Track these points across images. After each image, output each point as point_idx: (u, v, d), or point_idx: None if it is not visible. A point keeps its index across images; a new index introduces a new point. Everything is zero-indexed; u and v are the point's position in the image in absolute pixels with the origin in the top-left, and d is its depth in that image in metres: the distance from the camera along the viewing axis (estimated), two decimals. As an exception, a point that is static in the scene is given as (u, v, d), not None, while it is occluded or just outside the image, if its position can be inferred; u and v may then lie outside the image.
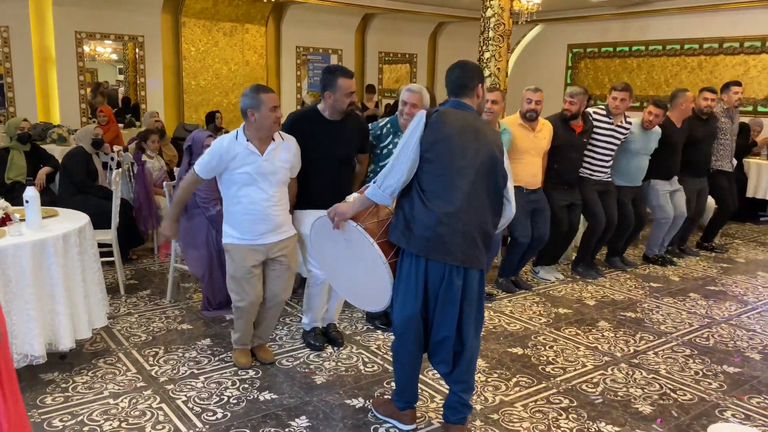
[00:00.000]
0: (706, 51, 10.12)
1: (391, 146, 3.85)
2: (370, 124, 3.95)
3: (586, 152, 5.17)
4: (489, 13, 6.53)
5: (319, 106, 3.62)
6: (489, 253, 2.75)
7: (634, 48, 11.03)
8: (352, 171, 3.81)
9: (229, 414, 3.02)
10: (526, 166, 4.73)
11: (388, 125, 3.89)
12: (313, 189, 3.59)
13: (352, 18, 11.26)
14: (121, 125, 9.07)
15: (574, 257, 5.63)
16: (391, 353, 3.65)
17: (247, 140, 3.24)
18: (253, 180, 3.24)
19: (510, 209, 2.79)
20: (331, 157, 3.58)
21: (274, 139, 3.30)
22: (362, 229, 2.70)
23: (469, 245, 2.63)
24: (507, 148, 4.51)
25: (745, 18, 9.54)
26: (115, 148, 6.63)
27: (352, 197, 2.87)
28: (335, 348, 3.78)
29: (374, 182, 2.68)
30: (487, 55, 6.57)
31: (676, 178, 5.77)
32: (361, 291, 2.97)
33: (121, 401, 3.10)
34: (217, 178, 3.35)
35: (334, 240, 2.89)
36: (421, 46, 12.59)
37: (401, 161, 2.61)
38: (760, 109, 9.52)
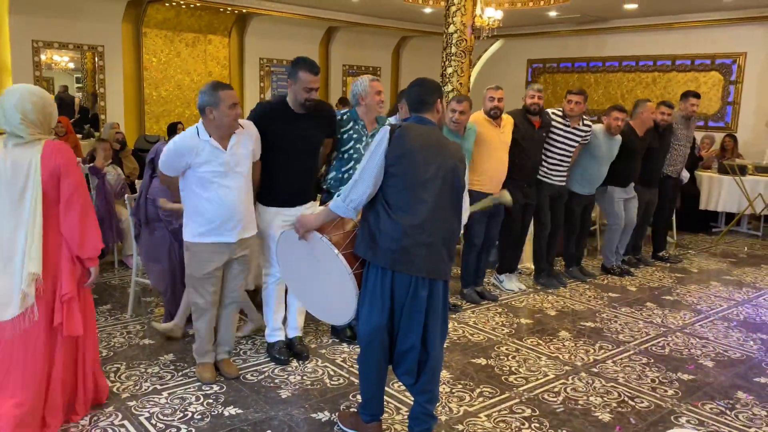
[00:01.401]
0: (659, 68, 10.47)
1: (351, 132, 3.87)
2: None
3: (543, 154, 5.29)
4: (451, 29, 6.64)
5: (288, 98, 3.62)
6: (452, 261, 2.81)
7: (592, 64, 11.35)
8: (316, 166, 3.83)
9: (193, 430, 2.99)
10: (496, 162, 4.83)
11: (348, 113, 3.93)
12: (278, 182, 3.61)
13: (315, 30, 11.30)
14: (79, 136, 8.89)
15: (534, 268, 5.74)
16: (356, 366, 3.67)
17: (209, 136, 3.22)
18: (219, 175, 3.23)
19: (464, 216, 2.90)
20: (295, 148, 3.59)
21: (235, 132, 3.29)
22: (327, 241, 2.75)
23: (435, 256, 2.69)
24: (472, 146, 4.62)
25: (695, 37, 9.93)
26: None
27: (318, 209, 2.91)
28: (300, 361, 3.78)
29: (338, 195, 2.74)
30: (449, 70, 6.68)
31: (632, 185, 5.96)
32: (326, 304, 2.99)
33: (82, 420, 3.03)
34: (179, 177, 3.32)
35: (299, 252, 2.93)
36: (385, 60, 12.70)
37: (366, 175, 2.66)
38: (711, 124, 9.89)
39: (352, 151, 3.87)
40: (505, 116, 4.95)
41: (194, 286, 3.39)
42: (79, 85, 10.40)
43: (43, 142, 2.75)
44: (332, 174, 3.94)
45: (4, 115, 2.74)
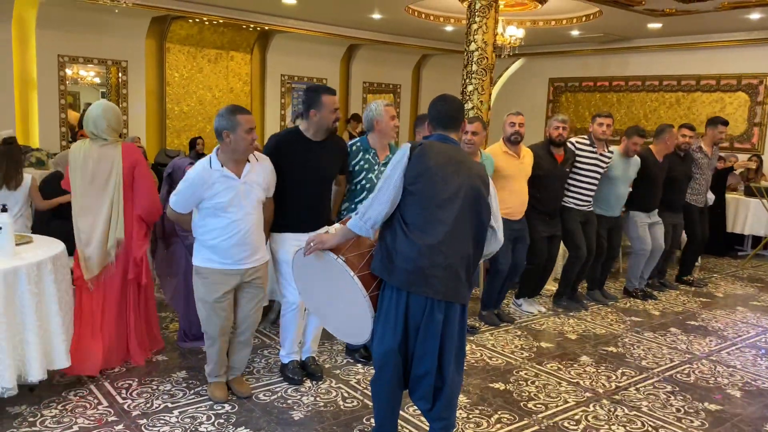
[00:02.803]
0: (683, 87, 10.33)
1: (362, 162, 3.82)
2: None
3: (570, 182, 5.20)
4: (472, 47, 6.61)
5: (301, 127, 3.59)
6: (471, 286, 2.73)
7: (614, 83, 11.24)
8: (330, 190, 3.79)
9: (203, 451, 2.93)
10: (514, 193, 4.73)
11: (358, 143, 3.88)
12: (295, 211, 3.56)
13: (337, 48, 11.36)
14: (101, 150, 8.99)
15: (555, 290, 5.62)
16: (370, 388, 3.59)
17: (222, 165, 3.19)
18: (231, 204, 3.19)
19: (497, 240, 2.79)
20: (313, 178, 3.56)
21: (249, 161, 3.26)
22: (343, 262, 2.67)
23: (451, 279, 2.60)
24: (490, 176, 4.53)
25: (721, 56, 9.79)
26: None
27: (335, 227, 2.83)
28: (314, 382, 3.71)
29: (356, 214, 2.66)
30: (470, 87, 6.63)
31: (656, 211, 5.83)
32: (343, 323, 2.93)
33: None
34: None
35: (315, 271, 2.86)
36: (405, 77, 12.71)
37: (384, 193, 2.59)
38: (736, 145, 9.71)
39: (364, 182, 3.82)
40: (524, 149, 4.86)
41: (205, 312, 3.33)
42: (105, 99, 10.53)
43: (120, 143, 3.69)
44: (345, 205, 3.91)
45: (93, 123, 3.63)
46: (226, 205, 3.19)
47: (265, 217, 3.45)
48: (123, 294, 3.79)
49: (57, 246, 3.53)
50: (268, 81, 10.87)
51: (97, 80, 10.67)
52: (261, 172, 3.33)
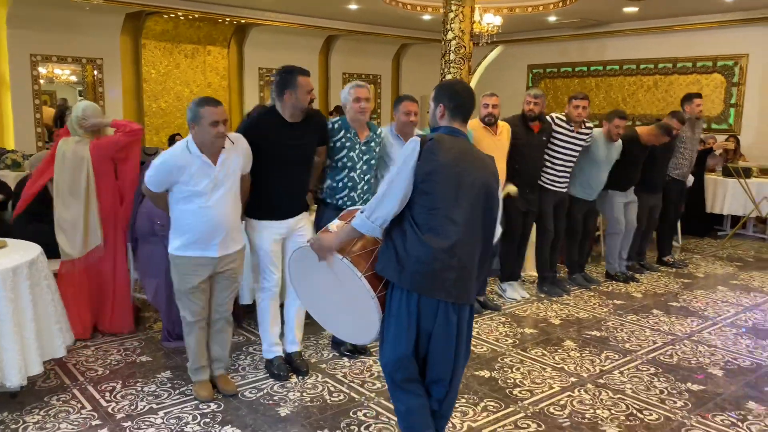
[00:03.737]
0: (660, 71, 10.41)
1: (344, 140, 3.78)
2: None
3: (546, 161, 5.22)
4: (450, 36, 6.59)
5: (277, 107, 3.54)
6: (479, 285, 2.64)
7: (593, 68, 11.29)
8: (309, 174, 3.75)
9: (189, 451, 2.91)
10: None
11: (340, 121, 3.84)
12: (272, 194, 3.53)
13: (315, 39, 11.28)
14: (79, 149, 8.87)
15: (537, 276, 5.66)
16: (357, 381, 3.59)
17: (200, 151, 3.16)
18: (207, 191, 3.16)
19: (497, 230, 2.71)
20: (290, 160, 3.52)
21: (224, 146, 3.22)
22: (349, 262, 2.52)
23: (464, 281, 2.49)
24: None
25: (697, 39, 9.87)
26: (72, 173, 6.44)
27: (335, 225, 2.69)
28: (300, 377, 3.70)
29: (362, 212, 2.51)
30: (449, 77, 6.63)
31: (632, 189, 5.89)
32: (345, 324, 2.81)
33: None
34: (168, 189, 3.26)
35: (315, 271, 2.72)
36: (385, 67, 12.66)
37: (393, 191, 2.44)
38: (713, 126, 9.81)
39: (345, 159, 3.79)
40: (501, 123, 4.88)
41: (181, 300, 3.33)
42: (81, 98, 10.39)
43: (92, 138, 4.18)
44: (327, 183, 3.87)
45: (71, 121, 4.17)
46: (201, 192, 3.16)
47: (242, 191, 3.41)
48: (110, 272, 4.31)
49: (33, 250, 3.48)
50: (246, 75, 10.78)
51: (74, 78, 10.51)
52: (236, 155, 3.28)
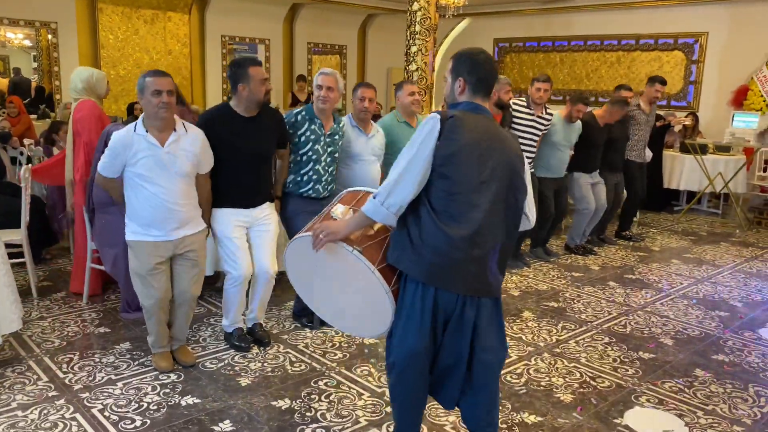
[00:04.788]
0: (623, 47, 10.53)
1: (309, 133, 3.74)
2: (285, 114, 3.86)
3: None
4: (415, 6, 6.54)
5: (232, 103, 3.50)
6: (503, 276, 2.42)
7: (558, 43, 11.35)
8: (270, 168, 3.71)
9: (148, 421, 2.90)
10: None
11: (303, 113, 3.79)
12: (231, 186, 3.49)
13: (279, 7, 11.06)
14: (33, 117, 8.58)
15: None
16: (319, 352, 3.61)
17: (146, 131, 3.10)
18: (154, 172, 3.10)
19: (528, 223, 2.46)
20: (248, 155, 3.47)
21: (175, 129, 3.16)
22: (359, 254, 2.29)
23: (485, 272, 2.27)
24: None
25: (659, 16, 9.99)
26: (26, 141, 6.26)
27: (339, 211, 2.46)
28: (261, 348, 3.71)
29: (374, 197, 2.27)
30: (413, 49, 6.59)
31: (597, 171, 5.99)
32: (352, 318, 2.59)
33: (31, 413, 2.93)
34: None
35: (316, 263, 2.47)
36: (351, 38, 12.51)
37: (410, 174, 2.20)
38: (673, 103, 10.00)
39: (311, 153, 3.75)
40: None
41: (140, 284, 3.26)
42: (35, 63, 10.03)
43: (78, 101, 4.33)
44: (291, 177, 3.82)
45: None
46: (146, 174, 3.10)
47: (202, 196, 3.36)
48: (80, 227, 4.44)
49: (-16, 220, 3.38)
50: (208, 42, 10.53)
51: (28, 43, 10.13)
52: (189, 144, 3.20)
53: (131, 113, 8.12)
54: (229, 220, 3.51)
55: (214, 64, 10.64)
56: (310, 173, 3.76)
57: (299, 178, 3.79)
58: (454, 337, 2.31)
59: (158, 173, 3.10)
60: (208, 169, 3.36)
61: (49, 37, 9.02)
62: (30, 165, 4.78)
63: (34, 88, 10.02)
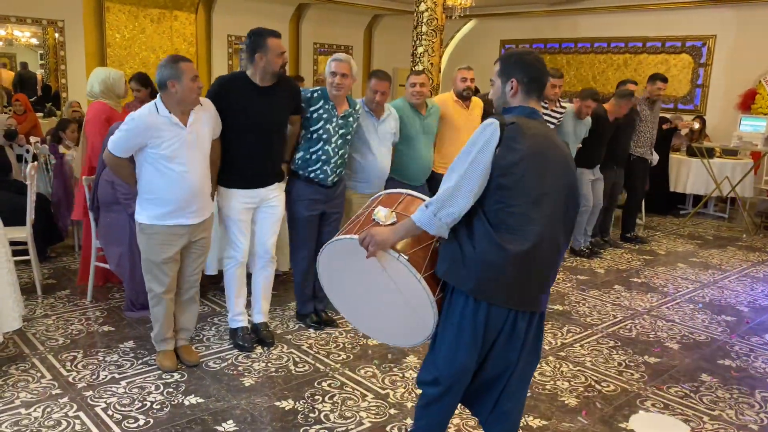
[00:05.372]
0: (630, 49, 10.48)
1: (321, 111, 3.70)
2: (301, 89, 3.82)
3: None
4: (422, 7, 6.53)
5: (248, 72, 3.47)
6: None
7: (564, 45, 11.32)
8: (282, 144, 3.69)
9: (151, 420, 2.90)
10: (463, 144, 4.71)
11: (319, 91, 3.76)
12: (243, 162, 3.47)
13: (285, 7, 11.06)
14: (40, 115, 8.60)
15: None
16: (323, 352, 3.60)
17: (169, 112, 3.09)
18: (180, 153, 3.10)
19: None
20: (261, 126, 3.45)
21: (194, 107, 3.17)
22: (406, 261, 2.19)
23: (541, 286, 2.18)
24: (437, 128, 4.52)
25: (667, 18, 9.95)
26: (32, 139, 6.26)
27: (382, 214, 2.31)
28: (265, 348, 3.70)
29: (427, 206, 2.13)
30: (420, 49, 6.58)
31: (598, 167, 5.99)
32: (388, 326, 2.49)
33: (34, 411, 2.92)
34: (134, 155, 3.17)
35: (354, 267, 2.36)
36: (357, 38, 12.50)
37: (466, 184, 2.07)
38: (680, 106, 9.95)
39: (321, 132, 3.72)
40: (475, 99, 4.87)
41: (151, 271, 3.26)
42: (42, 61, 10.05)
43: (92, 102, 4.44)
44: (300, 154, 3.79)
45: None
46: (172, 156, 3.09)
47: (212, 158, 3.35)
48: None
49: (-10, 217, 3.38)
50: (215, 42, 10.53)
51: (35, 41, 10.14)
52: (206, 120, 3.24)
53: (137, 112, 8.12)
54: (238, 201, 3.51)
55: (220, 63, 10.64)
56: (319, 153, 3.73)
57: (308, 156, 3.75)
58: (503, 351, 2.22)
59: (184, 153, 3.11)
60: (218, 132, 3.37)
61: (56, 35, 9.03)
62: (35, 163, 4.78)
63: (41, 87, 10.03)
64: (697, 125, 8.66)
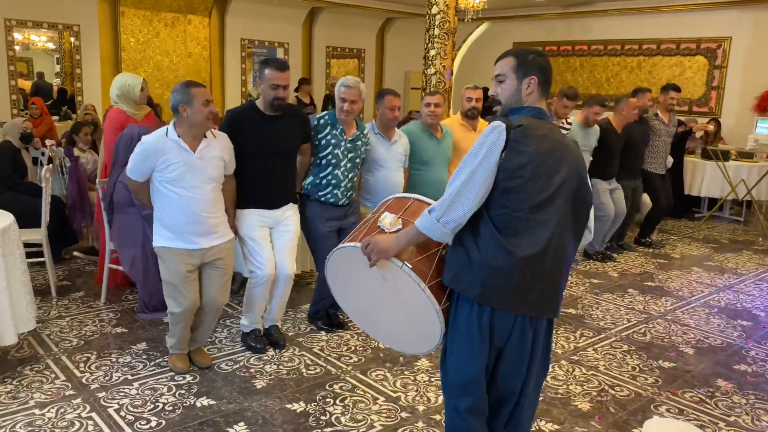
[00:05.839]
0: (644, 51, 10.41)
1: (329, 137, 3.73)
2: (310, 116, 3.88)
3: None
4: (434, 10, 6.52)
5: (258, 101, 3.54)
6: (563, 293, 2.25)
7: (577, 47, 11.26)
8: (294, 165, 3.72)
9: (163, 422, 2.91)
10: None
11: (326, 117, 3.79)
12: (255, 186, 3.51)
13: (298, 11, 11.10)
14: (56, 118, 8.69)
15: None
16: (334, 355, 3.60)
17: (179, 136, 3.12)
18: (184, 179, 3.12)
19: (589, 235, 2.26)
20: (270, 152, 3.49)
21: (206, 137, 3.20)
22: (410, 270, 2.11)
23: (550, 291, 2.10)
24: (450, 152, 4.49)
25: (681, 20, 9.87)
26: (48, 142, 6.33)
27: (387, 221, 2.24)
28: (277, 350, 3.70)
29: (430, 212, 2.06)
30: (432, 52, 6.57)
31: (614, 179, 5.93)
32: (396, 334, 2.44)
33: (48, 411, 2.94)
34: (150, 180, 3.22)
35: (360, 275, 2.30)
36: (369, 42, 12.52)
37: (470, 189, 2.00)
38: (695, 109, 9.87)
39: (330, 157, 3.75)
40: (482, 122, 4.82)
41: (172, 293, 3.26)
42: (58, 66, 10.16)
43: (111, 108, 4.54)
44: (309, 179, 3.82)
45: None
46: (178, 180, 3.11)
47: (228, 197, 3.39)
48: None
49: (6, 218, 3.42)
50: (228, 45, 10.59)
51: (51, 45, 10.26)
52: (219, 149, 3.25)
53: (151, 115, 8.18)
54: (253, 220, 3.53)
55: (234, 67, 10.70)
56: (329, 177, 3.75)
57: (318, 181, 3.78)
58: (512, 363, 2.13)
59: (189, 179, 3.12)
60: (232, 170, 3.41)
61: (72, 39, 9.13)
62: (50, 165, 4.82)
63: (57, 90, 10.15)
64: (711, 128, 8.58)
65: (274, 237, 3.63)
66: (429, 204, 2.24)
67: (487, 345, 2.08)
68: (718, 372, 3.68)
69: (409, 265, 2.11)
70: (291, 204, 3.69)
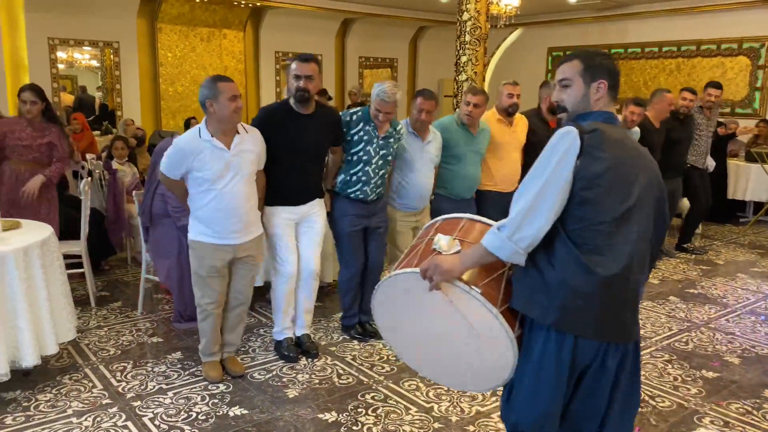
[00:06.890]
0: (683, 53, 10.17)
1: (362, 133, 3.71)
2: (340, 112, 3.85)
3: None
4: (465, 16, 6.49)
5: (291, 100, 3.55)
6: None
7: (613, 51, 11.06)
8: (321, 165, 3.73)
9: (196, 431, 2.92)
10: (509, 162, 4.63)
11: (360, 113, 3.76)
12: (285, 184, 3.53)
13: (331, 22, 11.20)
14: (97, 133, 8.92)
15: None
16: (366, 364, 3.57)
17: (212, 135, 3.15)
18: (222, 176, 3.15)
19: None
20: (295, 149, 3.51)
21: (238, 132, 3.22)
22: (479, 295, 1.90)
23: (633, 313, 1.93)
24: (485, 149, 4.45)
25: (721, 20, 9.60)
26: (88, 156, 6.49)
27: (443, 242, 2.03)
28: (309, 359, 3.69)
29: (499, 229, 1.86)
30: (463, 59, 6.53)
31: None
32: (456, 370, 2.17)
33: (85, 420, 2.99)
34: (184, 177, 3.25)
35: (415, 305, 2.08)
36: (402, 51, 12.55)
37: (545, 202, 1.81)
38: (738, 110, 9.58)
39: (362, 153, 3.74)
40: (518, 116, 4.77)
41: (199, 285, 3.32)
42: (101, 82, 10.45)
43: None
44: (341, 177, 3.82)
45: None
46: (215, 177, 3.14)
47: (259, 189, 3.42)
48: None
49: (45, 230, 3.50)
50: (262, 58, 10.74)
51: (95, 63, 10.55)
52: (252, 144, 3.29)
53: (188, 128, 8.34)
54: (281, 217, 3.57)
55: (268, 79, 10.84)
56: (360, 174, 3.74)
57: (348, 178, 3.77)
58: (590, 391, 1.94)
59: (226, 176, 3.16)
60: (263, 164, 3.43)
61: (112, 56, 9.38)
62: (90, 178, 4.94)
63: (98, 106, 10.43)
64: (760, 130, 8.30)
65: (300, 232, 3.66)
66: (482, 222, 2.10)
67: (564, 379, 1.89)
68: (765, 383, 3.53)
69: (478, 289, 1.90)
70: (318, 200, 3.70)
